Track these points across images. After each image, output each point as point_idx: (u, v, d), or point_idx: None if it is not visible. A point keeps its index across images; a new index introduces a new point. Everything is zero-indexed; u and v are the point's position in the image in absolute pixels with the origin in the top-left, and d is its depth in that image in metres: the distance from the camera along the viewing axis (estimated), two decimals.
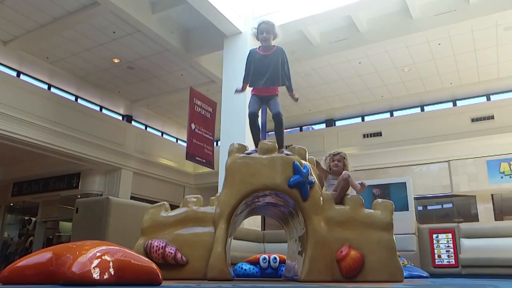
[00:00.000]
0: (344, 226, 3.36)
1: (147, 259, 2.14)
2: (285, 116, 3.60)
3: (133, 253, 2.05)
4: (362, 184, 3.80)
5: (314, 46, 9.64)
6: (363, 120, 13.18)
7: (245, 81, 3.71)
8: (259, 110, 3.66)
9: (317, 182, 3.45)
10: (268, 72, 3.57)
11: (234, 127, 7.97)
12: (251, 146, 3.69)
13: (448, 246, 6.22)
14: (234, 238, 3.92)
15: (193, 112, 9.80)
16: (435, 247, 6.30)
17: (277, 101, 3.61)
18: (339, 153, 4.03)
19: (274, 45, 3.70)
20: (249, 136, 6.92)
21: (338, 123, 13.61)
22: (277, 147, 3.46)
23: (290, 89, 3.68)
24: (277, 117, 3.50)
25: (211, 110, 10.44)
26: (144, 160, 12.75)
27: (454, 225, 6.43)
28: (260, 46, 3.72)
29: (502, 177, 9.89)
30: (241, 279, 4.03)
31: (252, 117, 3.56)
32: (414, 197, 7.43)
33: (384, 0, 8.24)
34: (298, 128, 14.15)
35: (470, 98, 11.70)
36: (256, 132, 3.62)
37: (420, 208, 11.37)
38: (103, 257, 1.81)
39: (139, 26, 8.73)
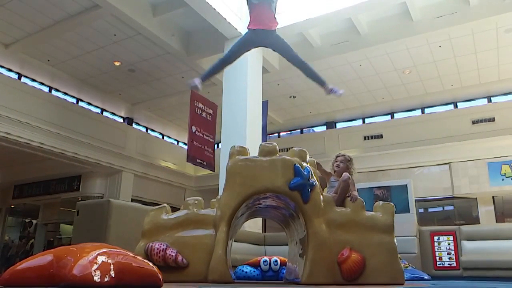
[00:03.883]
0: (345, 228, 3.36)
1: (148, 261, 2.14)
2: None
3: (134, 255, 2.05)
4: (353, 197, 3.52)
5: (314, 49, 9.65)
6: (363, 122, 13.16)
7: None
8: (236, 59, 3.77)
9: (318, 184, 3.45)
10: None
11: (234, 130, 7.98)
12: (252, 149, 3.68)
13: (449, 249, 6.21)
14: (235, 241, 3.92)
15: (194, 115, 9.79)
16: (436, 250, 6.29)
17: (285, 44, 3.73)
18: (343, 154, 4.02)
19: None
20: (250, 139, 6.87)
21: (338, 126, 13.59)
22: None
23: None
24: (300, 64, 3.75)
25: (211, 113, 10.43)
26: (145, 163, 12.74)
27: (455, 228, 6.42)
28: None
29: (503, 179, 9.87)
30: (242, 281, 4.03)
31: (226, 64, 3.75)
32: (415, 199, 7.44)
33: (384, 3, 8.23)
34: (299, 130, 14.11)
35: (471, 100, 11.68)
36: (217, 71, 3.79)
37: (421, 210, 11.34)
38: (104, 260, 1.81)
39: (140, 29, 8.75)
